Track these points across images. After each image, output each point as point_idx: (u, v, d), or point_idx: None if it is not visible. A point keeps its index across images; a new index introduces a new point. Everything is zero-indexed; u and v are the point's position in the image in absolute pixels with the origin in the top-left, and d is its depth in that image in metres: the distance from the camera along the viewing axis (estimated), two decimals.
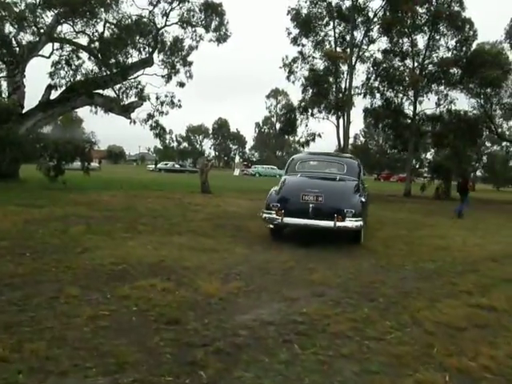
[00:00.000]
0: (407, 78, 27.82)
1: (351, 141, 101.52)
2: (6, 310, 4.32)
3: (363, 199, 9.45)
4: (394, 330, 4.46)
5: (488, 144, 48.58)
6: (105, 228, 9.20)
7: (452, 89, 29.63)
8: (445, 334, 4.42)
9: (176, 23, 27.41)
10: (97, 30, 25.76)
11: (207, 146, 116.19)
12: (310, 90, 26.08)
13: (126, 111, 24.15)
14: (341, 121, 28.29)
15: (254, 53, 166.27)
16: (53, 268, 5.89)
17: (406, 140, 31.05)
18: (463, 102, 55.88)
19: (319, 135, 28.58)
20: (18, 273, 5.57)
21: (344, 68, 27.96)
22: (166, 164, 63.20)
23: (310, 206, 8.68)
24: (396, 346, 4.04)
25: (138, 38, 26.59)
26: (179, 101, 27.41)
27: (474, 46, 28.49)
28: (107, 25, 25.85)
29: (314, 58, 28.28)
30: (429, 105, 30.36)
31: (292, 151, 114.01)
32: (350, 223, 8.56)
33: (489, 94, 28.69)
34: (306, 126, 28.26)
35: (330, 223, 8.46)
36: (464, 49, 28.04)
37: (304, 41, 27.80)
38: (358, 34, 28.73)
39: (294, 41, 27.40)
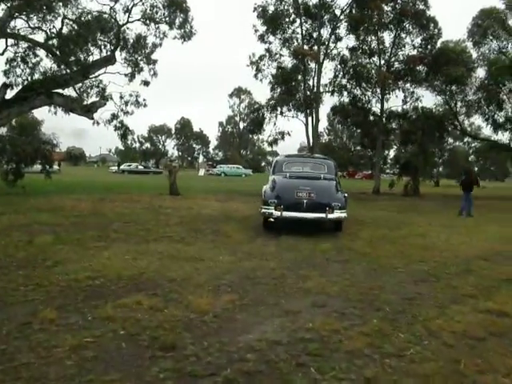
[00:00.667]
0: (375, 76, 27.89)
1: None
2: None
3: (345, 194, 11.03)
4: (412, 344, 4.07)
5: (451, 140, 49.58)
6: (75, 236, 8.49)
7: (418, 86, 29.95)
8: (466, 346, 4.08)
9: (139, 20, 26.48)
10: (54, 26, 24.59)
11: (170, 147, 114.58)
12: (279, 88, 25.72)
13: (88, 111, 23.07)
14: (309, 119, 28.19)
15: (217, 51, 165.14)
16: (21, 286, 5.22)
17: (374, 137, 31.20)
18: (428, 100, 57.18)
19: (288, 134, 28.30)
20: None
21: (312, 66, 27.78)
22: (129, 165, 61.61)
23: (304, 201, 10.17)
24: (420, 364, 3.65)
25: (98, 34, 25.51)
26: (144, 100, 26.50)
27: (439, 44, 28.88)
28: (66, 21, 24.74)
29: (281, 55, 27.98)
30: (395, 102, 30.67)
31: (256, 150, 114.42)
32: (338, 214, 10.17)
33: (454, 91, 29.12)
34: (275, 124, 27.94)
35: (322, 215, 9.95)
36: (429, 47, 28.36)
37: (271, 38, 27.46)
38: (325, 32, 28.66)
39: (261, 38, 26.99)
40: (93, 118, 23.59)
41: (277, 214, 10.10)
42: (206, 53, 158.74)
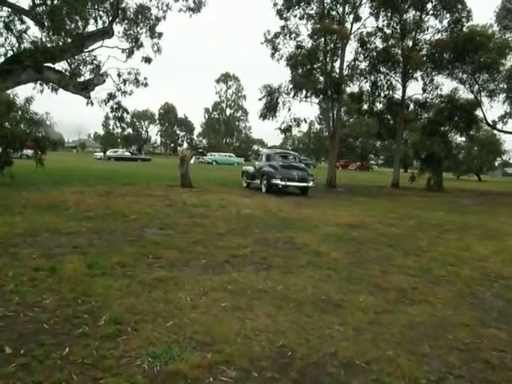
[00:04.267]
0: (400, 59, 25.42)
1: (305, 127, 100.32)
2: None
3: (310, 172, 19.53)
4: None
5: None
6: (112, 258, 5.76)
7: (439, 73, 27.58)
8: None
9: None
10: None
11: (153, 133, 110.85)
12: (300, 70, 22.98)
13: (84, 89, 19.98)
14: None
15: (207, 32, 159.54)
16: None
17: (392, 127, 28.85)
18: (446, 88, 54.92)
19: (304, 120, 25.66)
20: None
21: (332, 46, 25.03)
22: (115, 151, 58.00)
23: (296, 177, 18.13)
24: None
25: (95, 2, 22.34)
26: (145, 79, 23.35)
27: (465, 28, 26.45)
28: None
29: (298, 34, 25.07)
30: (413, 90, 28.26)
31: (243, 138, 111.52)
32: (311, 184, 18.24)
33: (485, 79, 26.86)
34: (289, 109, 25.23)
35: (305, 184, 18.12)
36: (456, 30, 25.91)
37: (290, 14, 24.55)
38: (344, 11, 25.85)
39: (279, 13, 24.13)
40: (89, 97, 20.52)
41: (282, 183, 17.74)
42: (194, 32, 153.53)
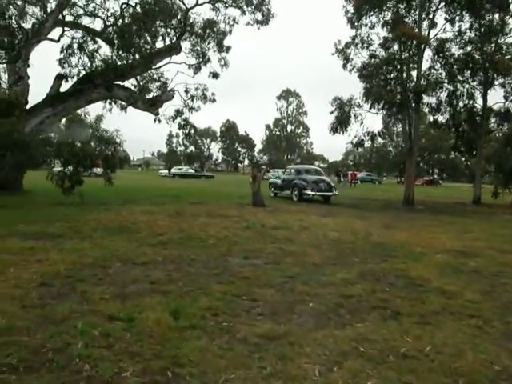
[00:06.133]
0: (483, 65, 23.23)
1: (368, 143, 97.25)
2: None
3: (333, 184, 22.87)
4: None
5: None
6: (201, 302, 4.60)
7: None
8: None
9: (208, 2, 22.87)
10: (112, 14, 21.35)
11: (215, 150, 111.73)
12: (374, 80, 21.50)
13: (152, 105, 19.62)
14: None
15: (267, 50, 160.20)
16: None
17: (470, 140, 26.50)
18: None
19: (379, 134, 23.99)
20: None
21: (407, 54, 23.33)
22: (179, 169, 58.40)
23: (323, 187, 21.22)
24: None
25: (163, 20, 22.10)
26: (213, 94, 22.92)
27: None
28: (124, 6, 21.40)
29: (370, 43, 23.60)
30: (493, 100, 25.81)
31: (304, 154, 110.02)
32: (335, 192, 21.65)
33: None
34: (362, 123, 23.69)
35: (331, 193, 21.36)
36: None
37: (362, 21, 23.17)
38: (413, 18, 24.07)
39: (351, 21, 22.81)
40: (158, 114, 20.20)
41: (312, 193, 20.85)
42: (253, 46, 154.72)
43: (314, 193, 20.75)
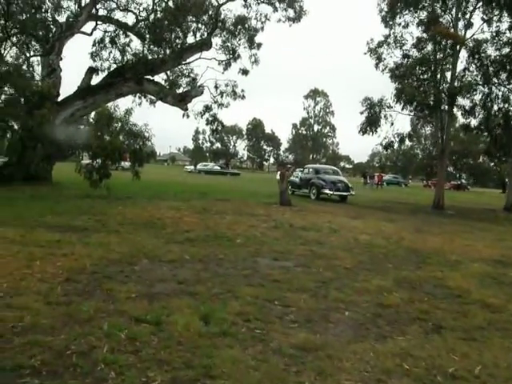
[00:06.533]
0: None
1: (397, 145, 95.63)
2: None
3: (350, 185, 22.57)
4: None
5: None
6: (231, 306, 4.37)
7: None
8: None
9: None
10: (145, 8, 21.34)
11: (241, 147, 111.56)
12: (407, 81, 20.94)
13: (181, 101, 19.51)
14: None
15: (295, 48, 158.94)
16: None
17: (503, 145, 25.58)
18: None
19: (409, 136, 23.42)
20: None
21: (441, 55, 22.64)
22: (205, 165, 58.47)
23: (340, 187, 21.57)
24: None
25: (194, 15, 21.97)
26: (242, 91, 22.68)
27: None
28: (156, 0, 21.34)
29: (403, 43, 22.96)
30: None
31: (330, 154, 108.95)
32: (352, 192, 21.98)
33: None
34: (392, 124, 23.18)
35: (348, 193, 21.74)
36: None
37: (393, 20, 22.59)
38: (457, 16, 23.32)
39: (385, 20, 22.29)
40: (187, 109, 20.08)
41: (330, 192, 21.19)
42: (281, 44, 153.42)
43: (332, 192, 21.17)
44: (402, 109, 21.19)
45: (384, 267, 7.05)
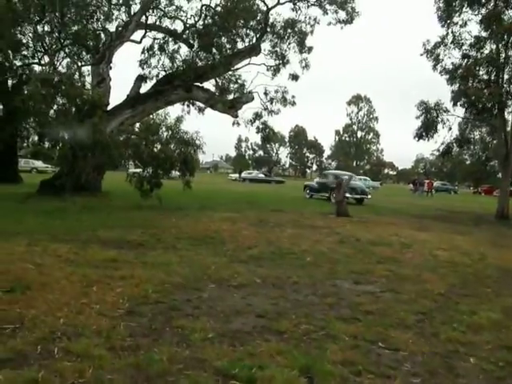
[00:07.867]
0: None
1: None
2: None
3: (366, 189, 26.98)
4: None
5: None
6: (330, 351, 3.55)
7: None
8: None
9: (289, 1, 21.87)
10: (192, 15, 20.97)
11: (283, 155, 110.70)
12: (467, 83, 19.56)
13: (231, 107, 18.92)
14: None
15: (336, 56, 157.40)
16: None
17: None
18: None
19: (469, 141, 21.93)
20: None
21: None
22: (249, 173, 57.95)
23: (360, 191, 24.52)
24: None
25: (244, 20, 21.43)
26: (293, 97, 21.90)
27: None
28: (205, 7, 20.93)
29: (461, 43, 21.52)
30: None
31: (374, 160, 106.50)
32: (369, 196, 25.03)
33: None
34: (450, 129, 21.80)
35: (366, 196, 24.63)
36: None
37: (451, 19, 21.24)
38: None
39: (443, 19, 20.96)
40: (237, 116, 19.47)
41: (349, 195, 21.56)
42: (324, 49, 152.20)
43: (350, 195, 22.38)
44: (466, 112, 19.77)
45: (482, 292, 6.04)
